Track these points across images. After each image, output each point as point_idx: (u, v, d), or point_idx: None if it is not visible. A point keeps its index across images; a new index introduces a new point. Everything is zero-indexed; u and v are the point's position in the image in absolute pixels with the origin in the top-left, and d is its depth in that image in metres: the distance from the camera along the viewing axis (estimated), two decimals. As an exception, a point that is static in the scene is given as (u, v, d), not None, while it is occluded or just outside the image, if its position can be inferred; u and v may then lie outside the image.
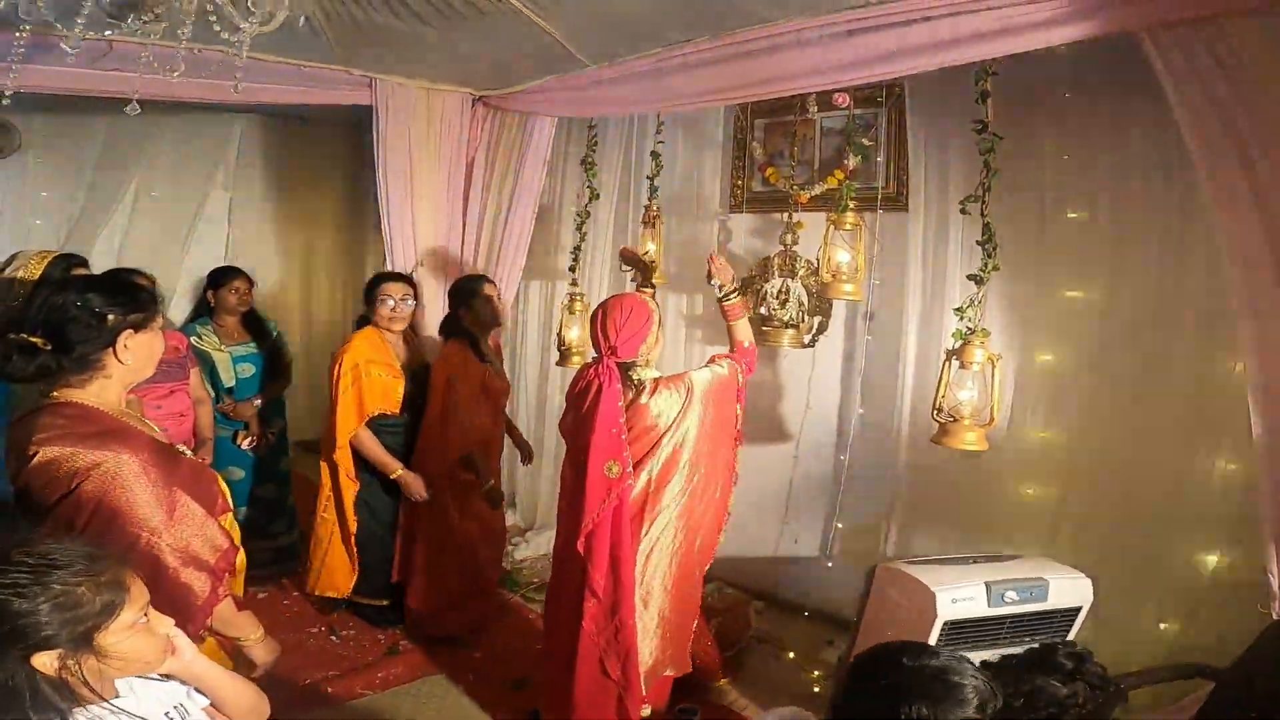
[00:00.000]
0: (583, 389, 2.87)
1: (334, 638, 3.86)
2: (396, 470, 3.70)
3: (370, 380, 3.68)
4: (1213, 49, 2.30)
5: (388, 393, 3.74)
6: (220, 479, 2.09)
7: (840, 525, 4.04)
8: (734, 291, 3.10)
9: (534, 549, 4.94)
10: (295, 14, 1.88)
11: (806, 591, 4.18)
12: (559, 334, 4.57)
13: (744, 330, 3.09)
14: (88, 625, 1.30)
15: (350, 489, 3.79)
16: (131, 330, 1.83)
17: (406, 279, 3.92)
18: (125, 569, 1.40)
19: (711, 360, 3.00)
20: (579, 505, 2.79)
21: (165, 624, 1.46)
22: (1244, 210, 2.33)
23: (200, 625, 1.85)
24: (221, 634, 1.97)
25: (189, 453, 2.06)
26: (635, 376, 2.82)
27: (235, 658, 2.05)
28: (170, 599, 1.76)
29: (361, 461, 3.77)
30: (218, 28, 1.67)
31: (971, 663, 1.49)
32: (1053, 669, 1.86)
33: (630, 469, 2.77)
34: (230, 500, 2.09)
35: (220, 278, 4.20)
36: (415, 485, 3.69)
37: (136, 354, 1.85)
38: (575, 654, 2.84)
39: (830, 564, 4.07)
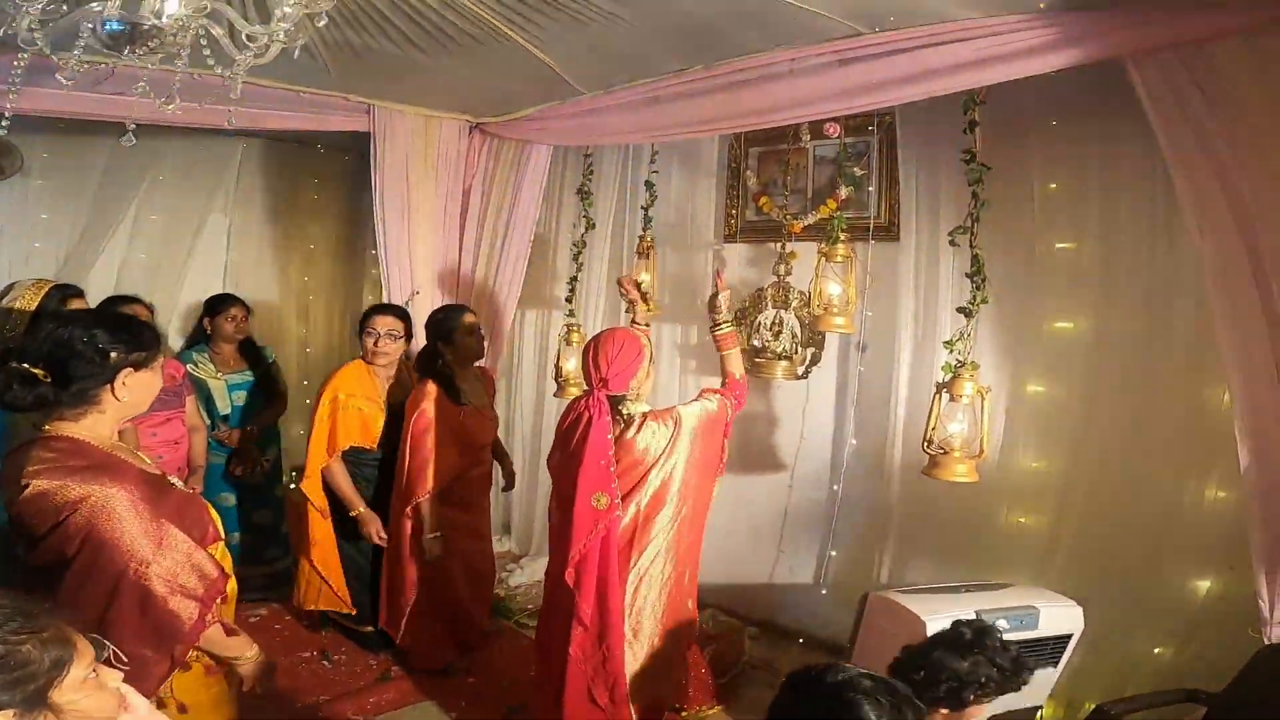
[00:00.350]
0: (573, 422, 2.88)
1: (326, 662, 3.83)
2: (357, 508, 3.66)
3: (347, 414, 3.63)
4: (1195, 74, 2.35)
5: (367, 427, 3.69)
6: (211, 509, 2.11)
7: (834, 554, 4.04)
8: (726, 322, 3.09)
9: (529, 575, 4.92)
10: (292, 44, 1.91)
11: (801, 619, 4.17)
12: (556, 365, 4.58)
13: (735, 362, 3.07)
14: (40, 683, 1.26)
15: (318, 520, 3.75)
16: (132, 369, 1.86)
17: (398, 312, 3.82)
18: (64, 623, 1.36)
19: (702, 394, 2.99)
20: (566, 536, 2.80)
21: (114, 678, 1.43)
22: (1227, 236, 2.36)
23: (187, 650, 1.88)
24: (214, 655, 1.99)
25: (180, 484, 2.09)
26: (625, 410, 2.83)
27: (228, 676, 2.07)
28: (158, 625, 1.80)
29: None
30: (212, 61, 1.70)
31: (884, 682, 1.51)
32: (953, 643, 1.85)
33: (618, 500, 2.78)
34: (221, 529, 2.10)
35: (217, 305, 4.22)
36: (370, 526, 3.64)
37: (134, 392, 1.88)
38: (564, 682, 2.84)
39: (824, 592, 4.06)
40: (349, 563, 3.82)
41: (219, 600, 1.94)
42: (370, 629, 3.88)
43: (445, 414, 3.56)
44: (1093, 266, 3.32)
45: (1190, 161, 2.41)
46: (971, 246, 3.06)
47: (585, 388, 2.94)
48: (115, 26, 1.61)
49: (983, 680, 1.83)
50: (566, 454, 2.88)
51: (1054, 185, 3.38)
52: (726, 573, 4.28)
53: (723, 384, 3.07)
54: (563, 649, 2.85)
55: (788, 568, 4.30)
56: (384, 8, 2.92)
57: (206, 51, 1.73)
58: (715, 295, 3.10)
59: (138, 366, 1.87)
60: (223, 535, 2.09)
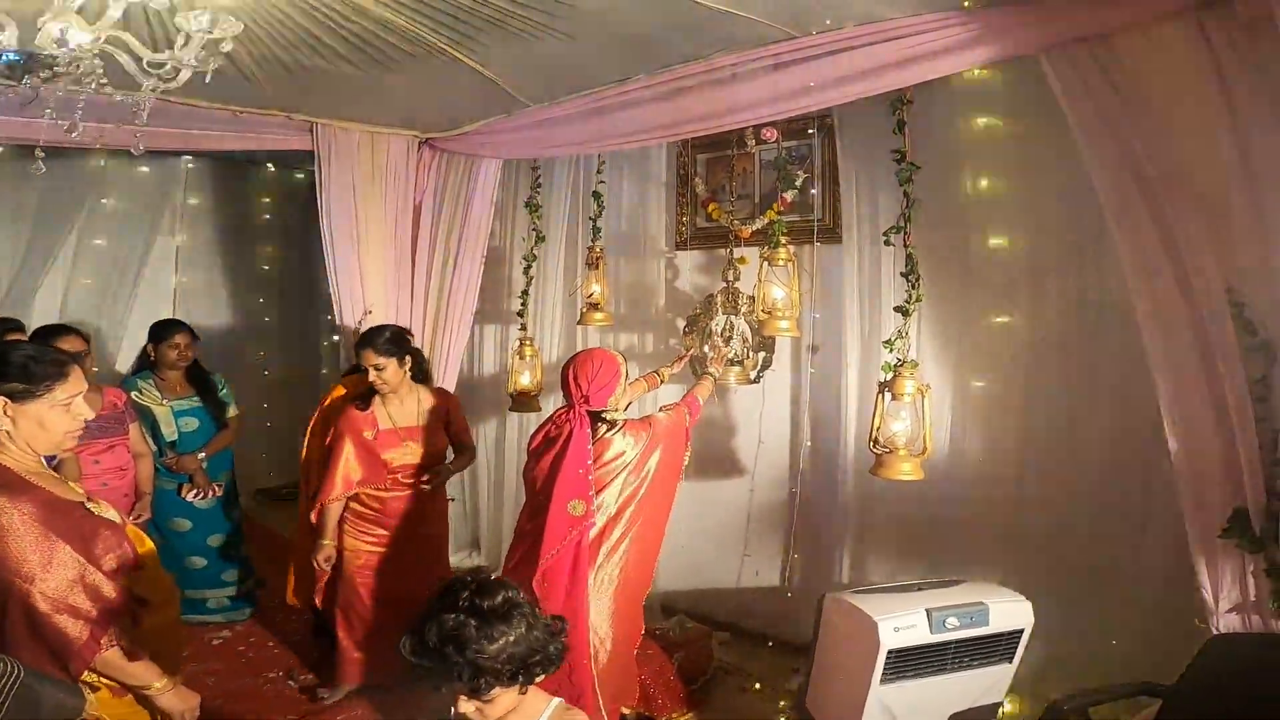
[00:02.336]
0: (554, 435, 2.96)
1: (291, 682, 3.79)
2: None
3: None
4: (1102, 66, 2.39)
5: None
6: (144, 537, 2.12)
7: (797, 555, 4.05)
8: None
9: (497, 591, 4.87)
10: (204, 69, 1.88)
11: (769, 622, 4.17)
12: (510, 380, 4.55)
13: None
14: None
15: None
16: (7, 399, 1.87)
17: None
18: None
19: (661, 409, 3.17)
20: (537, 544, 2.84)
21: None
22: (1142, 226, 2.39)
23: (80, 669, 1.89)
24: (119, 682, 1.96)
25: (111, 512, 2.07)
26: (606, 418, 2.95)
27: (148, 707, 2.03)
28: (49, 642, 1.85)
29: None
30: (110, 90, 1.66)
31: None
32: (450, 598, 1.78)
33: (594, 508, 2.85)
34: (136, 554, 2.07)
35: (160, 332, 4.14)
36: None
37: (21, 423, 1.90)
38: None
39: (790, 594, 4.06)
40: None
41: (115, 625, 1.92)
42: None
43: (354, 428, 3.47)
44: (1023, 261, 3.36)
45: (1103, 153, 2.45)
46: (905, 246, 3.09)
47: (566, 403, 3.02)
48: (11, 57, 1.57)
49: (466, 635, 1.73)
50: (545, 463, 2.94)
51: (984, 183, 3.40)
52: (693, 578, 4.30)
53: (680, 401, 3.27)
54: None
55: (753, 571, 4.30)
56: (313, 27, 2.86)
57: (104, 81, 1.69)
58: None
59: (14, 398, 1.88)
60: (142, 565, 2.07)
